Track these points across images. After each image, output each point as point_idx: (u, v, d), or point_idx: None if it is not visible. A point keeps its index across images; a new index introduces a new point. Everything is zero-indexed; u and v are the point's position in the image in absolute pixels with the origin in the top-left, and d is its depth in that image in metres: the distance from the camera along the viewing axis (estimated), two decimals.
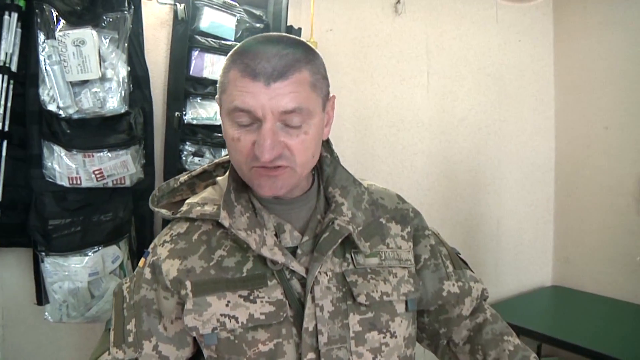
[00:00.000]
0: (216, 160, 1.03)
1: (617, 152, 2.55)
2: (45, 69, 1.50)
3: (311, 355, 0.83)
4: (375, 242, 0.94)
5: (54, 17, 1.48)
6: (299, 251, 0.88)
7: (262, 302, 0.83)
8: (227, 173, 0.93)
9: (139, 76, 1.68)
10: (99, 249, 1.58)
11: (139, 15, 1.68)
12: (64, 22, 1.48)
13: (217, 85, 0.85)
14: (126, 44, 1.60)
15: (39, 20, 1.48)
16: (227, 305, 0.84)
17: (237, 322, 0.83)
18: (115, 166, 1.58)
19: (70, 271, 1.55)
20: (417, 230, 1.04)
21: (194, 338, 0.90)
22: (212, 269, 0.86)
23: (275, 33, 0.86)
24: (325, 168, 0.97)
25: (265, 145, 0.77)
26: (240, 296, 0.84)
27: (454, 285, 1.02)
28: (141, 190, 1.69)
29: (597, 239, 2.65)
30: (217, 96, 0.86)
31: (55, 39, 1.47)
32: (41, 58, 1.49)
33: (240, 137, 0.80)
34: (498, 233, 2.73)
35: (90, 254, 1.56)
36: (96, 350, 0.94)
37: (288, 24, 1.93)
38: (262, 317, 0.83)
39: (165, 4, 1.82)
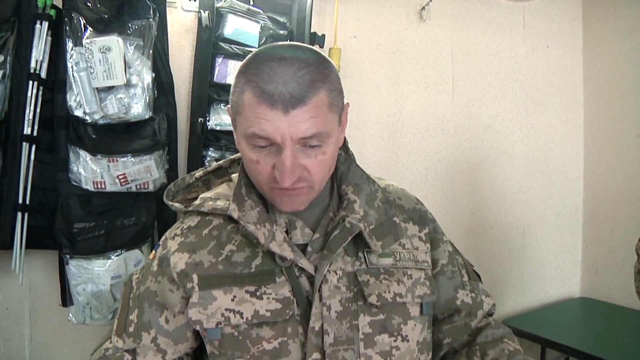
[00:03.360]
0: (231, 157, 1.04)
1: None
2: (73, 76, 1.53)
3: (316, 355, 0.82)
4: (387, 241, 0.92)
5: (82, 25, 1.51)
6: (309, 249, 0.87)
7: (268, 298, 0.83)
8: (225, 186, 0.95)
9: (163, 82, 1.70)
10: (121, 253, 1.60)
11: (164, 23, 1.70)
12: (92, 29, 1.52)
13: (230, 99, 0.84)
14: (151, 51, 1.63)
15: (67, 28, 1.52)
16: (232, 300, 0.83)
17: (242, 318, 0.82)
18: (139, 171, 1.60)
19: (94, 274, 1.58)
20: (436, 233, 1.03)
21: (196, 333, 0.90)
22: (220, 264, 0.86)
23: (287, 43, 0.84)
24: (339, 166, 0.96)
25: (286, 171, 0.77)
26: (247, 291, 0.83)
27: (467, 295, 1.01)
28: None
29: (628, 249, 2.56)
30: (228, 107, 0.86)
31: (82, 46, 1.51)
32: (69, 65, 1.53)
33: (260, 160, 0.80)
34: (524, 242, 2.68)
35: (113, 257, 1.59)
36: (104, 337, 0.95)
37: (312, 31, 1.93)
38: (268, 314, 0.82)
39: (190, 11, 1.84)
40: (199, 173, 1.01)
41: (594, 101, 2.78)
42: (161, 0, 1.67)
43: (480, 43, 2.52)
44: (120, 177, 1.58)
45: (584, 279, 2.84)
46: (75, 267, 1.58)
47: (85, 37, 1.50)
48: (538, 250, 2.72)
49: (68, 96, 1.55)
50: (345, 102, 0.87)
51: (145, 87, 1.60)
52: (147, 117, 1.61)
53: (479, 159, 2.56)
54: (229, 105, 0.86)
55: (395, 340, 0.87)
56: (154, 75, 1.64)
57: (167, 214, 1.74)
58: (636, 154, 2.54)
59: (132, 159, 1.59)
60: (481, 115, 2.54)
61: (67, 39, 1.53)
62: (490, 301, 1.04)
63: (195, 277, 0.85)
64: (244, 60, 0.82)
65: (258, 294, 0.83)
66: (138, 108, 1.59)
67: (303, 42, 1.85)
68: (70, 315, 1.64)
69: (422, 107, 2.39)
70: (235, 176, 0.97)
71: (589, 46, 2.79)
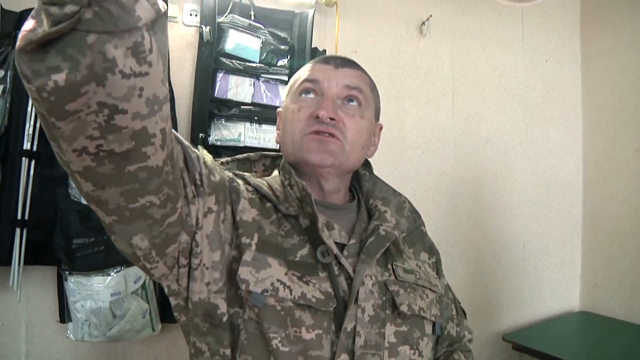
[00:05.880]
0: (261, 152, 1.06)
1: None
2: None
3: (345, 356, 0.81)
4: (417, 249, 0.99)
5: None
6: (344, 252, 0.88)
7: (314, 287, 0.82)
8: (277, 172, 0.97)
9: None
10: (121, 269, 1.59)
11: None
12: None
13: (286, 91, 0.98)
14: None
15: None
16: (285, 274, 0.82)
17: (291, 294, 0.80)
18: None
19: (93, 290, 1.57)
20: (439, 263, 1.07)
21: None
22: (279, 236, 0.86)
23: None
24: (364, 184, 1.03)
25: (325, 105, 0.87)
26: (294, 274, 0.83)
27: (454, 328, 1.05)
28: None
29: (628, 263, 2.57)
30: (279, 109, 1.00)
31: None
32: None
33: (301, 108, 0.90)
34: (524, 256, 2.67)
35: (112, 273, 1.58)
36: None
37: (313, 46, 1.94)
38: (314, 299, 0.81)
39: (191, 26, 1.85)
40: (225, 159, 1.01)
41: (593, 115, 2.79)
42: None
43: (479, 58, 2.53)
44: None
45: (583, 293, 2.83)
46: (75, 283, 1.57)
47: None
48: (538, 264, 2.72)
49: None
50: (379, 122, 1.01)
51: None
52: None
53: (479, 173, 2.56)
54: (280, 109, 0.99)
55: (414, 354, 0.88)
56: None
57: None
58: (635, 168, 2.55)
59: None
60: (481, 130, 2.55)
61: None
62: (470, 337, 1.09)
63: (255, 236, 0.83)
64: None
65: (304, 279, 0.83)
66: None
67: (304, 58, 1.87)
68: (69, 331, 1.62)
69: (422, 122, 2.39)
70: (268, 178, 0.97)
71: (588, 61, 2.81)
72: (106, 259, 1.57)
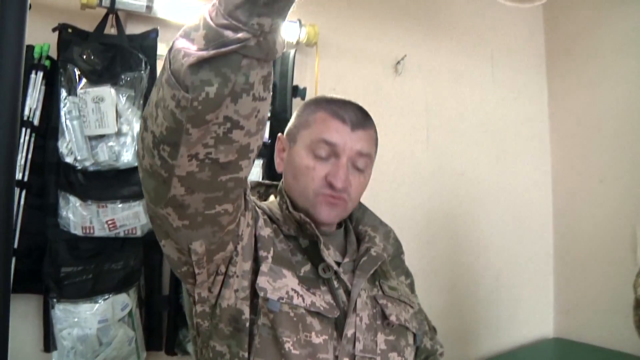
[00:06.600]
0: (257, 181, 1.17)
1: (613, 204, 2.61)
2: (66, 124, 1.59)
3: (346, 359, 0.90)
4: (398, 272, 1.12)
5: (77, 76, 1.58)
6: (341, 269, 0.98)
7: (320, 297, 0.92)
8: (274, 198, 1.06)
9: None
10: (109, 297, 1.62)
11: (154, 75, 1.77)
12: (86, 80, 1.59)
13: (294, 123, 1.02)
14: (141, 101, 1.70)
15: (62, 78, 1.59)
16: (298, 284, 0.92)
17: (304, 302, 0.90)
18: (128, 217, 1.65)
19: (80, 318, 1.59)
20: (413, 284, 1.21)
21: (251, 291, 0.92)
22: (288, 253, 0.96)
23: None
24: (354, 212, 1.15)
25: (341, 175, 0.95)
26: (303, 286, 0.92)
27: (428, 342, 1.17)
28: (151, 240, 1.74)
29: (598, 290, 2.67)
30: (280, 135, 1.04)
31: (76, 95, 1.58)
32: (62, 113, 1.59)
33: (316, 167, 0.97)
34: (498, 285, 2.75)
35: (100, 301, 1.61)
36: None
37: (294, 84, 2.03)
38: (322, 308, 0.91)
39: None
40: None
41: (560, 149, 2.93)
42: (152, 53, 1.75)
43: (452, 94, 2.66)
44: (109, 222, 1.62)
45: (557, 319, 2.91)
46: (62, 311, 1.59)
47: (79, 87, 1.57)
48: (512, 293, 2.80)
49: (59, 143, 1.60)
50: None
51: (135, 135, 1.67)
52: (136, 164, 1.67)
53: (453, 205, 2.66)
54: (284, 134, 1.04)
55: None
56: None
57: (153, 259, 1.77)
58: (601, 199, 2.68)
59: (121, 205, 1.64)
60: (454, 163, 2.65)
61: (61, 88, 1.60)
62: (442, 350, 1.21)
63: (272, 250, 0.93)
64: (307, 100, 1.06)
65: (311, 291, 0.92)
66: (128, 156, 1.65)
67: (285, 95, 1.96)
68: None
69: (399, 156, 2.49)
70: (266, 203, 1.06)
71: (554, 98, 2.97)
72: (94, 286, 1.61)
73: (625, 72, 2.58)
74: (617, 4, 2.62)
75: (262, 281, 0.89)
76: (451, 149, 2.65)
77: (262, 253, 0.92)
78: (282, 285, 0.90)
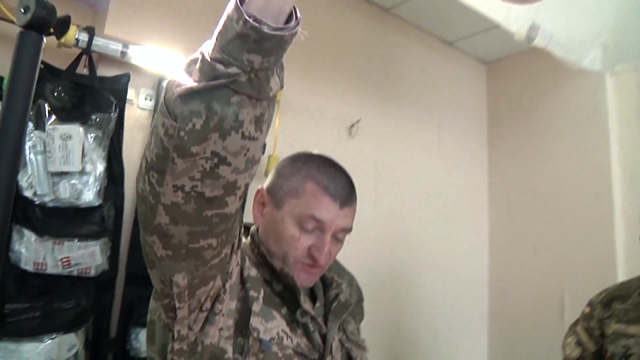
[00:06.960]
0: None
1: (544, 271, 2.80)
2: (29, 157, 1.59)
3: None
4: (358, 320, 1.18)
5: (46, 112, 1.60)
6: (314, 313, 1.02)
7: (300, 339, 0.96)
8: (249, 239, 1.08)
9: (115, 173, 1.78)
10: (56, 336, 1.57)
11: (122, 118, 1.81)
12: (55, 117, 1.61)
13: (279, 184, 1.03)
14: (107, 143, 1.73)
15: (31, 112, 1.60)
16: (287, 325, 0.95)
17: (292, 343, 0.93)
18: (84, 256, 1.64)
19: (22, 357, 1.53)
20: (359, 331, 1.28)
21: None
22: (272, 297, 0.99)
23: (331, 159, 1.10)
24: None
25: (325, 251, 0.99)
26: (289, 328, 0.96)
27: None
28: (104, 281, 1.73)
29: (529, 350, 2.80)
30: (261, 187, 1.06)
31: (44, 130, 1.59)
32: (26, 147, 1.59)
33: (300, 239, 0.99)
34: (436, 344, 2.83)
35: (47, 340, 1.55)
36: None
37: None
38: (306, 349, 0.96)
39: (145, 109, 1.98)
40: None
41: (498, 217, 3.13)
42: (122, 96, 1.80)
43: (400, 159, 2.82)
44: (63, 260, 1.60)
45: None
46: (2, 349, 1.52)
47: (49, 122, 1.59)
48: (449, 352, 2.88)
49: (20, 176, 1.59)
50: None
51: (98, 175, 1.68)
52: (97, 204, 1.68)
53: (397, 264, 2.76)
54: (265, 186, 1.05)
55: None
56: (106, 165, 1.73)
57: (104, 300, 1.74)
58: (533, 265, 2.86)
59: (78, 243, 1.62)
60: (400, 225, 2.78)
61: (28, 122, 1.60)
62: None
63: (262, 290, 0.96)
64: (297, 155, 1.07)
65: (292, 334, 0.96)
66: (89, 195, 1.66)
67: None
68: None
69: None
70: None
71: (494, 168, 3.20)
72: (42, 324, 1.56)
73: (559, 149, 2.85)
74: (553, 85, 2.92)
75: (255, 321, 0.91)
76: (397, 211, 2.77)
77: (252, 293, 0.94)
78: (274, 326, 0.93)
